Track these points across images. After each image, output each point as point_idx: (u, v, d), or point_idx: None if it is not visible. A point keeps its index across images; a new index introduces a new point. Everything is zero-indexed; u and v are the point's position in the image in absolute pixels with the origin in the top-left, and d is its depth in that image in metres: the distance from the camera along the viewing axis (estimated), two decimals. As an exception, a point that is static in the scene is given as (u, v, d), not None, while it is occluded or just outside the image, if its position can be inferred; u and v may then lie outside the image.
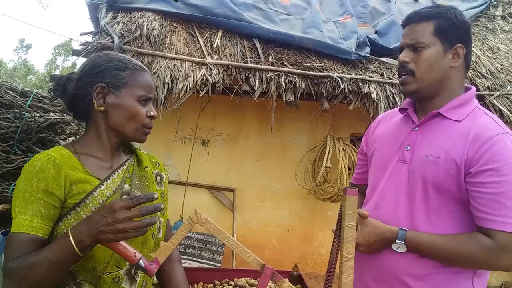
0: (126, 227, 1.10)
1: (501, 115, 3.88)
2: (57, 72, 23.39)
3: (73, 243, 1.11)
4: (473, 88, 1.53)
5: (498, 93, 3.92)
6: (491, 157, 1.32)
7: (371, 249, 1.49)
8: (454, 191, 1.39)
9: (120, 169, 1.38)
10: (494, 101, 3.89)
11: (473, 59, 4.23)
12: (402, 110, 1.63)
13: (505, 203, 1.30)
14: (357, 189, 1.31)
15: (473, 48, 4.37)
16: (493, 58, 4.34)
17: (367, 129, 1.81)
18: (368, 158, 1.73)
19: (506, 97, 3.95)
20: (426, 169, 1.43)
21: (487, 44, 4.53)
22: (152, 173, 1.48)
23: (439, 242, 1.39)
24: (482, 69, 4.12)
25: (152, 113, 1.36)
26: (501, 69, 4.19)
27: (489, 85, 3.99)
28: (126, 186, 1.35)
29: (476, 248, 1.33)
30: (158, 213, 1.42)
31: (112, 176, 1.34)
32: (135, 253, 1.17)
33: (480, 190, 1.33)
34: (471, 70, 4.10)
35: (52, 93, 1.41)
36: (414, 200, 1.46)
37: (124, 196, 1.32)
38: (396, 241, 1.43)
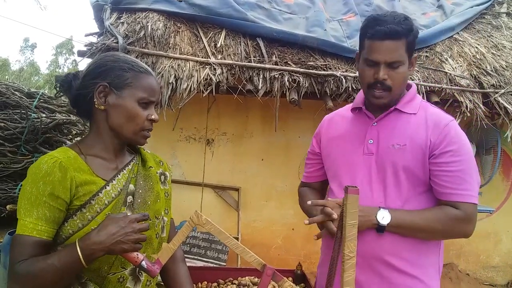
0: (139, 238, 1.18)
1: (506, 112, 3.87)
2: (61, 72, 23.43)
3: (80, 256, 1.14)
4: (414, 84, 1.73)
5: (503, 91, 3.90)
6: (450, 140, 1.53)
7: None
8: (419, 173, 1.56)
9: (125, 169, 1.39)
10: (499, 98, 3.87)
11: (477, 56, 4.21)
12: (353, 109, 1.76)
13: (465, 179, 1.52)
14: (358, 188, 1.32)
15: (477, 46, 4.35)
16: (498, 55, 4.31)
17: (316, 131, 1.93)
18: (323, 157, 1.84)
19: (511, 94, 3.93)
20: (395, 157, 1.58)
21: (492, 42, 4.49)
22: (157, 173, 1.48)
23: (417, 213, 1.55)
24: (487, 67, 4.10)
25: (153, 117, 1.35)
26: (506, 66, 4.16)
27: (494, 82, 3.97)
28: (131, 186, 1.36)
29: (446, 217, 1.52)
30: (162, 212, 1.45)
31: (117, 176, 1.35)
32: (137, 254, 1.19)
33: (443, 169, 1.53)
34: (476, 68, 4.09)
35: (58, 88, 1.42)
36: (386, 186, 1.60)
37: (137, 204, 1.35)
38: (381, 209, 1.53)
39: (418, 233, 1.56)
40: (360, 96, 1.77)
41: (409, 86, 1.71)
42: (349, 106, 1.82)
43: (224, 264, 3.85)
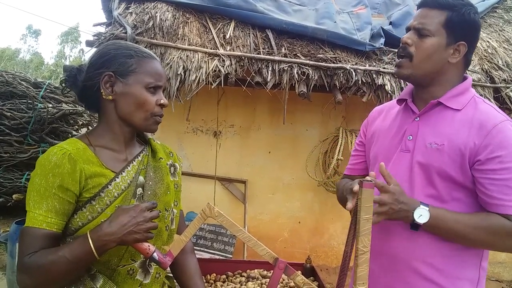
0: (151, 226, 1.19)
1: (517, 108, 3.82)
2: (67, 62, 23.40)
3: (93, 248, 1.13)
4: (470, 78, 1.55)
5: (514, 86, 3.86)
6: (499, 144, 1.35)
7: (394, 211, 1.38)
8: (458, 177, 1.41)
9: (135, 160, 1.37)
10: (510, 93, 3.83)
11: (489, 50, 4.15)
12: (400, 101, 1.64)
13: None
14: (373, 182, 1.29)
15: (489, 40, 4.29)
16: (510, 50, 4.25)
17: (365, 121, 1.82)
18: (367, 149, 1.74)
19: (523, 89, 3.89)
20: (430, 157, 1.44)
21: (504, 36, 4.43)
22: (167, 164, 1.46)
23: (460, 215, 1.40)
24: (498, 61, 4.04)
25: (162, 101, 1.33)
26: (517, 61, 4.11)
27: (506, 77, 3.92)
28: (141, 178, 1.34)
29: (495, 226, 1.35)
30: (172, 204, 1.43)
31: (127, 168, 1.33)
32: (149, 246, 1.18)
33: (490, 177, 1.35)
34: (487, 62, 4.04)
35: (63, 84, 1.40)
36: (417, 188, 1.47)
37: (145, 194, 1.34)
38: (421, 205, 1.38)
39: (458, 239, 1.41)
40: (408, 87, 1.64)
41: (464, 78, 1.54)
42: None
43: (231, 256, 3.85)
